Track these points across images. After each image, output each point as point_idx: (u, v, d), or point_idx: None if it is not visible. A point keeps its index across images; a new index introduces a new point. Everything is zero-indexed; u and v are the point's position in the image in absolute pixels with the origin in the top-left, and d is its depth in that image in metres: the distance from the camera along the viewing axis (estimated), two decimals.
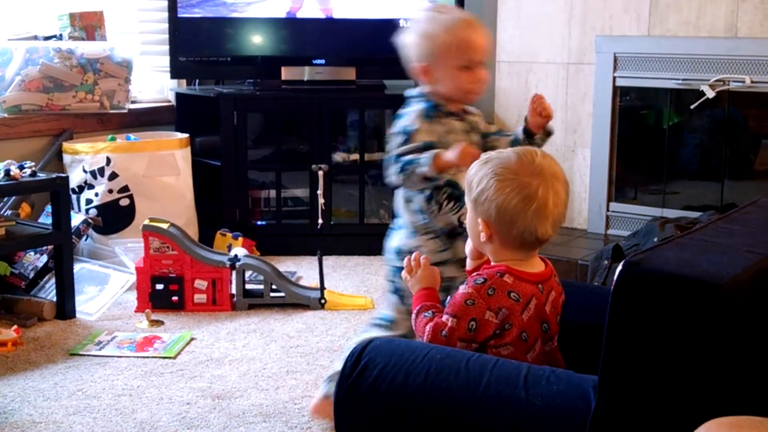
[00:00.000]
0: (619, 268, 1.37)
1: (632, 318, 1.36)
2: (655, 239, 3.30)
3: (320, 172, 4.00)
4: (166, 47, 4.15)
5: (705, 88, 3.67)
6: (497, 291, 1.66)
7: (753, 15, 3.60)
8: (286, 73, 4.17)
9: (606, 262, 3.37)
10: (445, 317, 1.69)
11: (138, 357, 2.85)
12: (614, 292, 1.37)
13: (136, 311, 3.27)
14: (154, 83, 4.38)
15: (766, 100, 3.68)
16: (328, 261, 3.89)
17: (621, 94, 3.98)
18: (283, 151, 4.21)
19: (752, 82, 3.61)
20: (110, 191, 3.68)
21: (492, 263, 1.76)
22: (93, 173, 3.68)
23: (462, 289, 1.69)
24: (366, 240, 4.09)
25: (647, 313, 1.35)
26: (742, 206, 1.76)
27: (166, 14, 4.10)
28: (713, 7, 3.69)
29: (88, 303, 3.28)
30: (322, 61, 4.19)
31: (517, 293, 1.67)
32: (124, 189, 3.70)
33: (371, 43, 4.22)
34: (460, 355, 1.52)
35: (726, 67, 3.66)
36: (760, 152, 3.86)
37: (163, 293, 3.28)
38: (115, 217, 3.70)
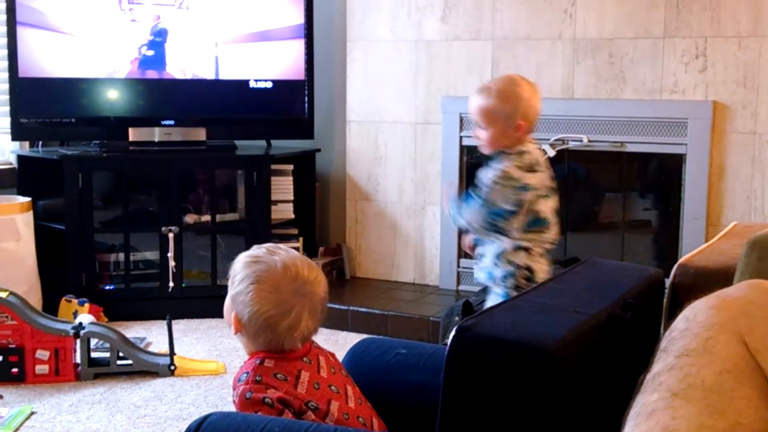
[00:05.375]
0: (452, 333, 1.39)
1: (466, 381, 1.38)
2: None
3: (171, 234, 3.93)
4: (7, 108, 4.02)
5: (546, 147, 3.82)
6: (264, 377, 1.68)
7: (586, 77, 3.78)
8: (134, 134, 4.10)
9: (457, 318, 3.42)
10: None
11: None
12: (448, 357, 1.39)
13: None
14: None
15: (601, 158, 3.87)
16: (180, 325, 3.81)
17: (467, 152, 4.10)
18: (132, 212, 4.11)
19: (589, 141, 3.78)
20: None
21: (247, 353, 1.79)
22: None
23: (237, 389, 1.69)
24: (219, 302, 3.92)
25: (479, 377, 1.37)
26: (572, 266, 1.83)
27: (6, 74, 3.98)
28: (551, 70, 3.86)
29: None
30: (171, 122, 4.14)
31: (283, 374, 1.70)
32: None
33: (221, 103, 4.21)
34: (298, 426, 1.51)
35: (564, 126, 3.83)
36: (603, 206, 4.03)
37: (2, 365, 3.13)
38: None
